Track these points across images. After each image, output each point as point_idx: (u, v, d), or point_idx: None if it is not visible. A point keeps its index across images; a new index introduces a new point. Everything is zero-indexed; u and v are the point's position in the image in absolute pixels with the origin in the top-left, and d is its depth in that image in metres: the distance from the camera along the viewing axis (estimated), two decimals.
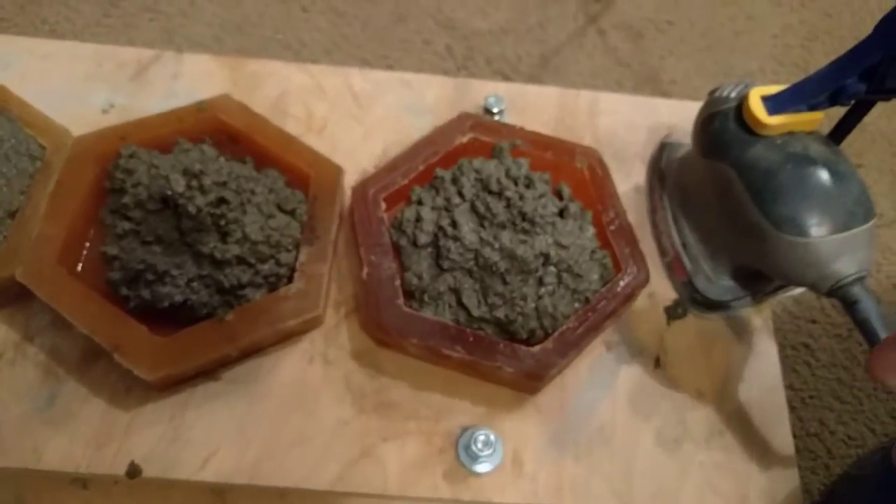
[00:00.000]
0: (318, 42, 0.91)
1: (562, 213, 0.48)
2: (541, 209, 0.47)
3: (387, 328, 0.44)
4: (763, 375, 0.49)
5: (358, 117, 0.57)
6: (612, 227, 0.49)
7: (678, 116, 0.60)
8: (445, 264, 0.46)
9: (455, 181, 0.49)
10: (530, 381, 0.44)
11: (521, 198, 0.47)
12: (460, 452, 0.44)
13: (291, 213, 0.48)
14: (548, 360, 0.43)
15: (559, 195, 0.50)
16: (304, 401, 0.45)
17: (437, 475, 0.43)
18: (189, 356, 0.42)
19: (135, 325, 0.43)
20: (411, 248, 0.47)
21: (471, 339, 0.43)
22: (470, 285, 0.45)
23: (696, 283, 0.50)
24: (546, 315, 0.45)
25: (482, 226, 0.47)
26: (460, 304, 0.45)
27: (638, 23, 0.97)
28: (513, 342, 0.44)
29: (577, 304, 0.46)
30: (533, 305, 0.45)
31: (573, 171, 0.51)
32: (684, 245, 0.51)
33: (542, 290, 0.45)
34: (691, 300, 0.50)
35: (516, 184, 0.48)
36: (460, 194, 0.48)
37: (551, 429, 0.46)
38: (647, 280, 0.47)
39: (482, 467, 0.43)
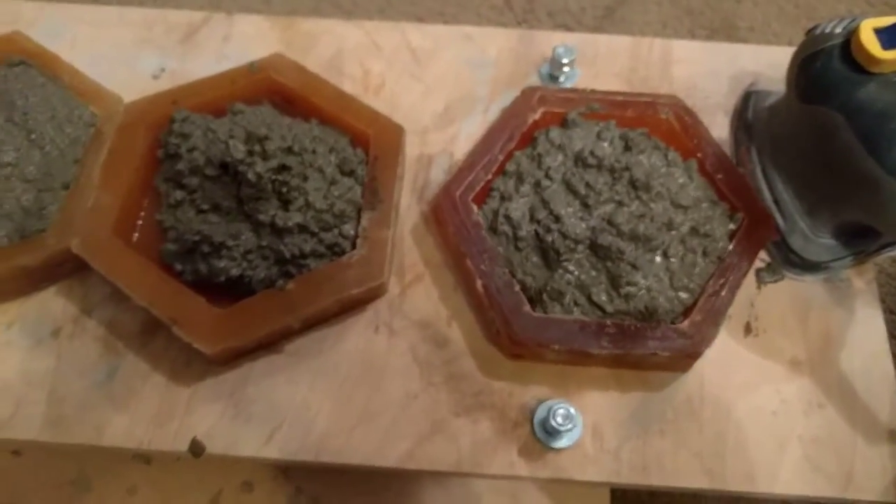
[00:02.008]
0: (370, 0, 0.88)
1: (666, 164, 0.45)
2: (654, 170, 0.43)
3: (521, 339, 0.40)
4: (867, 343, 0.44)
5: (417, 74, 0.54)
6: (719, 176, 0.45)
7: (762, 63, 0.55)
8: (555, 265, 0.42)
9: (537, 161, 0.45)
10: (688, 360, 0.41)
11: (627, 166, 0.43)
12: (536, 427, 0.41)
13: (352, 174, 0.45)
14: (703, 333, 0.40)
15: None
16: (370, 374, 0.42)
17: (512, 452, 0.41)
18: (249, 328, 0.41)
19: (193, 297, 0.41)
20: (512, 248, 0.43)
21: (614, 330, 0.40)
22: (593, 278, 0.41)
23: (790, 243, 0.45)
24: (682, 288, 0.41)
25: (585, 205, 0.43)
26: (590, 300, 0.41)
27: None
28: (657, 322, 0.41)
29: (711, 266, 0.42)
30: (667, 281, 0.41)
31: (659, 123, 0.47)
32: (776, 202, 0.46)
33: (671, 261, 0.42)
34: (785, 261, 0.46)
35: (612, 146, 0.44)
36: (548, 176, 0.44)
37: (633, 401, 0.42)
38: (772, 224, 0.44)
39: (560, 443, 0.40)
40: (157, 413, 0.41)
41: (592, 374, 0.43)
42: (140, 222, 0.46)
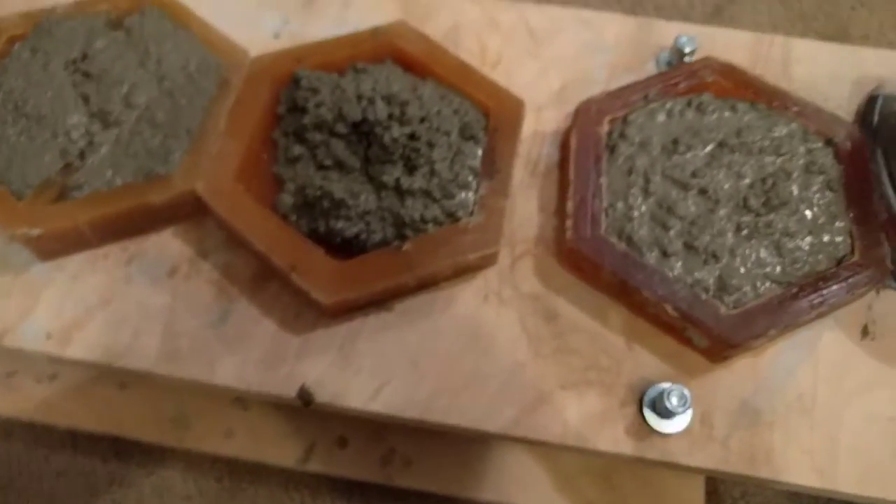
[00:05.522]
0: None
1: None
2: (742, 126, 0.46)
3: (735, 342, 0.39)
4: None
5: (534, 53, 0.53)
6: (795, 109, 0.47)
7: (887, 67, 0.53)
8: (715, 261, 0.42)
9: (627, 167, 0.45)
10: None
11: (718, 136, 0.46)
12: (646, 408, 0.40)
13: (473, 138, 0.45)
14: (875, 255, 0.42)
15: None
16: (479, 340, 0.42)
17: (618, 429, 0.40)
18: (366, 281, 0.41)
19: (312, 247, 0.42)
20: (664, 262, 0.42)
21: (810, 291, 0.41)
22: (760, 259, 0.42)
23: None
24: (832, 230, 0.43)
25: (703, 192, 0.44)
26: (770, 279, 0.41)
27: None
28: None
29: (840, 198, 0.44)
30: (818, 230, 0.43)
31: (708, 87, 0.49)
32: None
33: (814, 208, 0.43)
34: None
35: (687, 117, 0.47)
36: (648, 179, 0.44)
37: (743, 392, 0.41)
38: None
39: (670, 427, 0.40)
40: (267, 357, 0.42)
41: (702, 361, 0.42)
42: (258, 174, 0.46)
